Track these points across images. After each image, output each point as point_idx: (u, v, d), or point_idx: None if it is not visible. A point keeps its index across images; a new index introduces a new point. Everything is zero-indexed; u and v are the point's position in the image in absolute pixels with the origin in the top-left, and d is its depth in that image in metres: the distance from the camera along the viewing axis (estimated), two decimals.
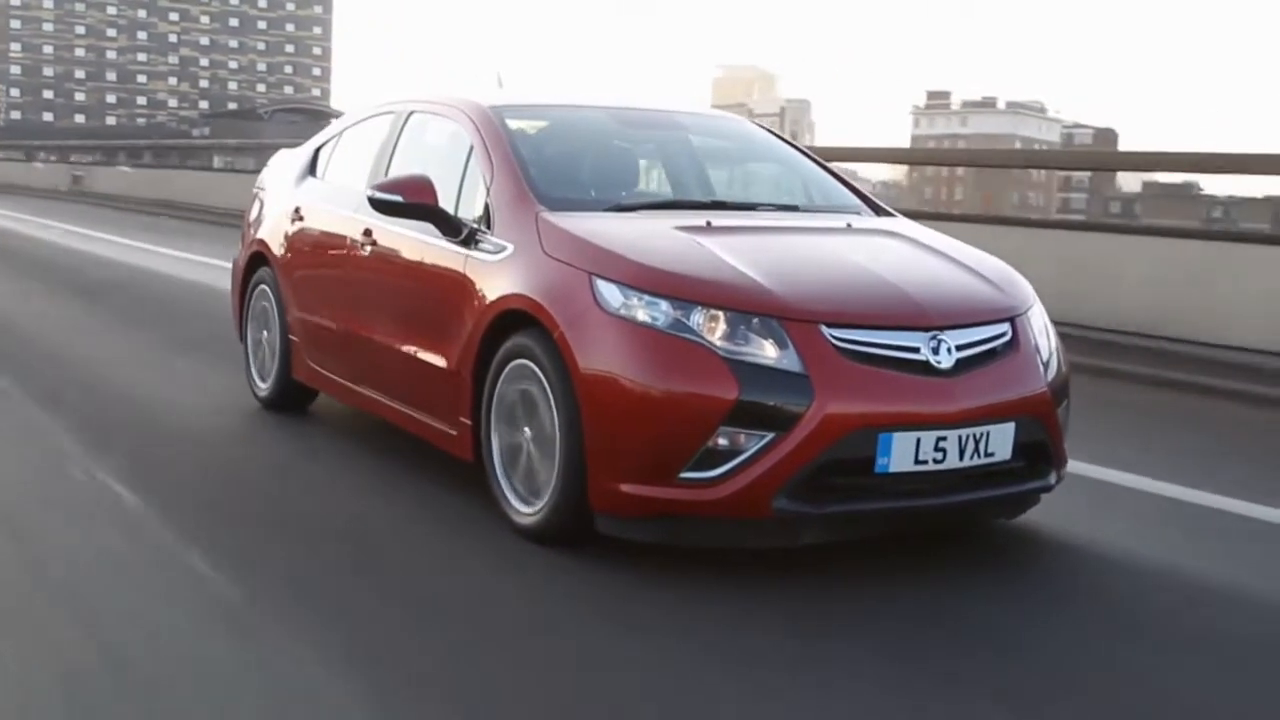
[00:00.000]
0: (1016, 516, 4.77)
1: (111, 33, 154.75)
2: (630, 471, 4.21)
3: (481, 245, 4.94)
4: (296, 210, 6.50)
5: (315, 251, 6.30)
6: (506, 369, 4.69)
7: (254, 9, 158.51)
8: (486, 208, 5.03)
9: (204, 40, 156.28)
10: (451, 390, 5.02)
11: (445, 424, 5.11)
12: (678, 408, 4.12)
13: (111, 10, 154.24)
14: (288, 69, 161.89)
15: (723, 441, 4.10)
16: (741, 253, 4.50)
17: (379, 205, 5.26)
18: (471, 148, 5.32)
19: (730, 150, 6.14)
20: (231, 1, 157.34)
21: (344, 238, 5.93)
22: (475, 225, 5.02)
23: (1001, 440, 4.34)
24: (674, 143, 5.88)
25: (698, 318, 4.20)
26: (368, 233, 5.69)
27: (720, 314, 4.20)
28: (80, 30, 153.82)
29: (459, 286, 4.99)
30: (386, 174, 5.79)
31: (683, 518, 4.20)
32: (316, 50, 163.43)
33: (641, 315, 4.25)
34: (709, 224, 4.85)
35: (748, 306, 4.21)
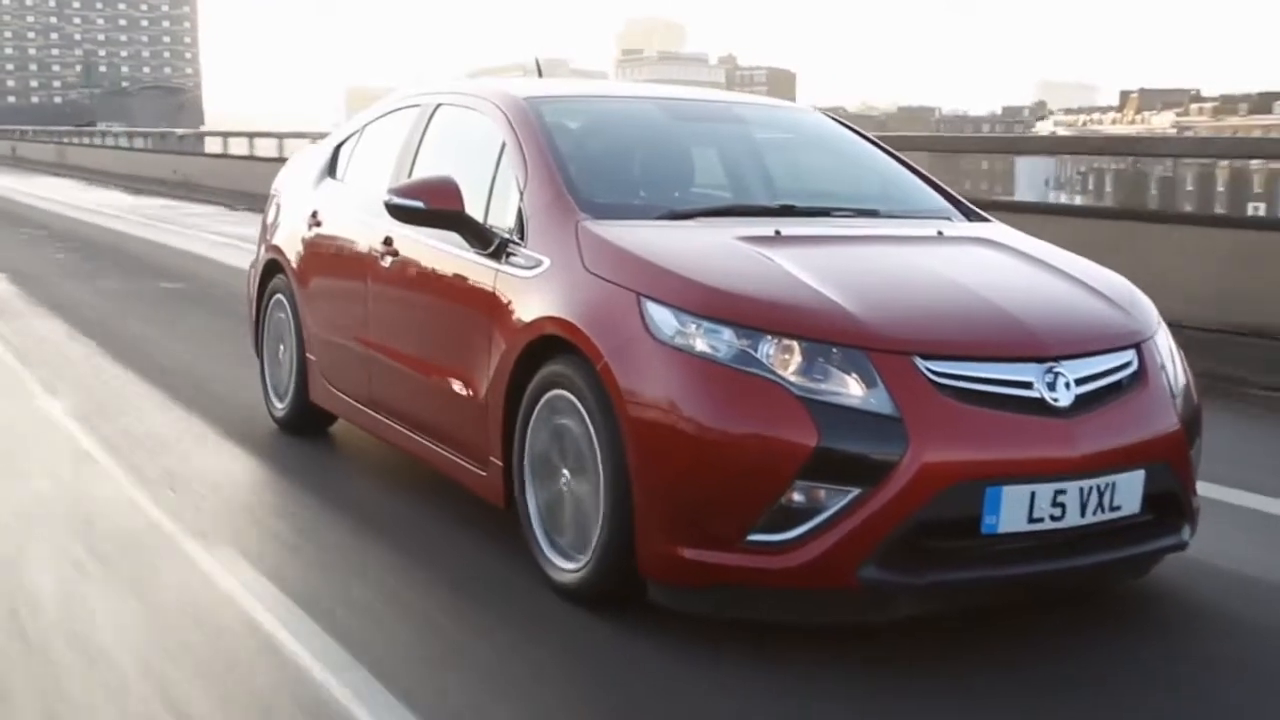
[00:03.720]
0: (1140, 577, 4.06)
1: (31, 35, 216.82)
2: (687, 533, 3.53)
3: (514, 259, 4.28)
4: (314, 214, 5.87)
5: (332, 261, 5.67)
6: (542, 401, 4.04)
7: (135, 10, 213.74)
8: (520, 215, 4.37)
9: (100, 36, 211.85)
10: (480, 425, 4.38)
11: (474, 463, 4.47)
12: (744, 457, 3.44)
13: (30, 19, 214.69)
14: (166, 54, 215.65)
15: (798, 497, 3.41)
16: (817, 269, 3.81)
17: (398, 212, 4.61)
18: (504, 145, 4.66)
19: (797, 146, 5.43)
20: (120, 6, 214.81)
21: (363, 247, 5.29)
22: (507, 235, 4.36)
23: (1129, 491, 3.64)
24: (733, 138, 5.18)
25: (767, 348, 3.51)
26: (388, 241, 5.05)
27: (794, 344, 3.51)
28: (7, 35, 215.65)
29: (488, 306, 4.33)
30: (410, 175, 5.15)
31: (750, 588, 3.52)
32: (187, 39, 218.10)
33: (700, 345, 3.57)
34: (777, 234, 4.16)
35: (828, 335, 3.52)
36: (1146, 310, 4.12)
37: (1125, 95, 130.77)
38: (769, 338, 3.52)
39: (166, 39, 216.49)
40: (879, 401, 3.43)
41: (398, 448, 5.16)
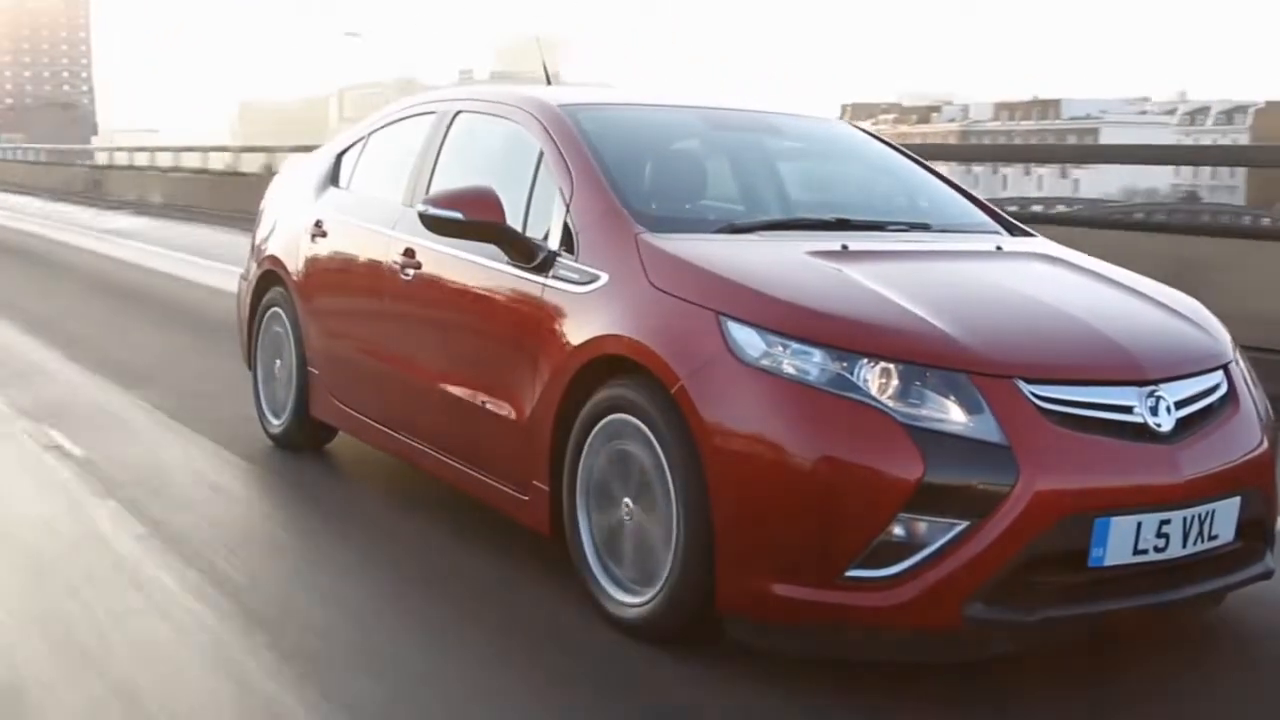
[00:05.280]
0: (1215, 606, 3.91)
1: None
2: (777, 568, 3.32)
3: (562, 273, 4.06)
4: (318, 224, 5.60)
5: (341, 272, 5.41)
6: (599, 425, 3.81)
7: (37, 35, 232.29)
8: (566, 227, 4.15)
9: (7, 58, 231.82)
10: (522, 447, 4.15)
11: (513, 487, 4.23)
12: (845, 488, 3.24)
13: None
14: (64, 74, 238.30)
15: (900, 531, 3.22)
16: (900, 287, 3.62)
17: (433, 223, 4.37)
18: (541, 154, 4.43)
19: (834, 157, 5.24)
20: (24, 31, 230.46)
21: (379, 258, 5.04)
22: (553, 249, 4.14)
23: (1226, 519, 3.51)
24: (776, 150, 4.99)
25: (865, 371, 3.32)
26: (409, 253, 4.80)
27: (893, 367, 3.32)
28: None
29: (533, 322, 4.11)
30: (430, 185, 4.91)
31: (843, 626, 3.32)
32: (83, 60, 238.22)
33: (789, 367, 3.37)
34: (844, 248, 3.98)
35: (929, 358, 3.33)
36: (1223, 331, 3.99)
37: (844, 108, 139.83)
38: (866, 360, 3.33)
39: (65, 60, 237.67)
40: (985, 428, 3.25)
41: (419, 467, 4.91)
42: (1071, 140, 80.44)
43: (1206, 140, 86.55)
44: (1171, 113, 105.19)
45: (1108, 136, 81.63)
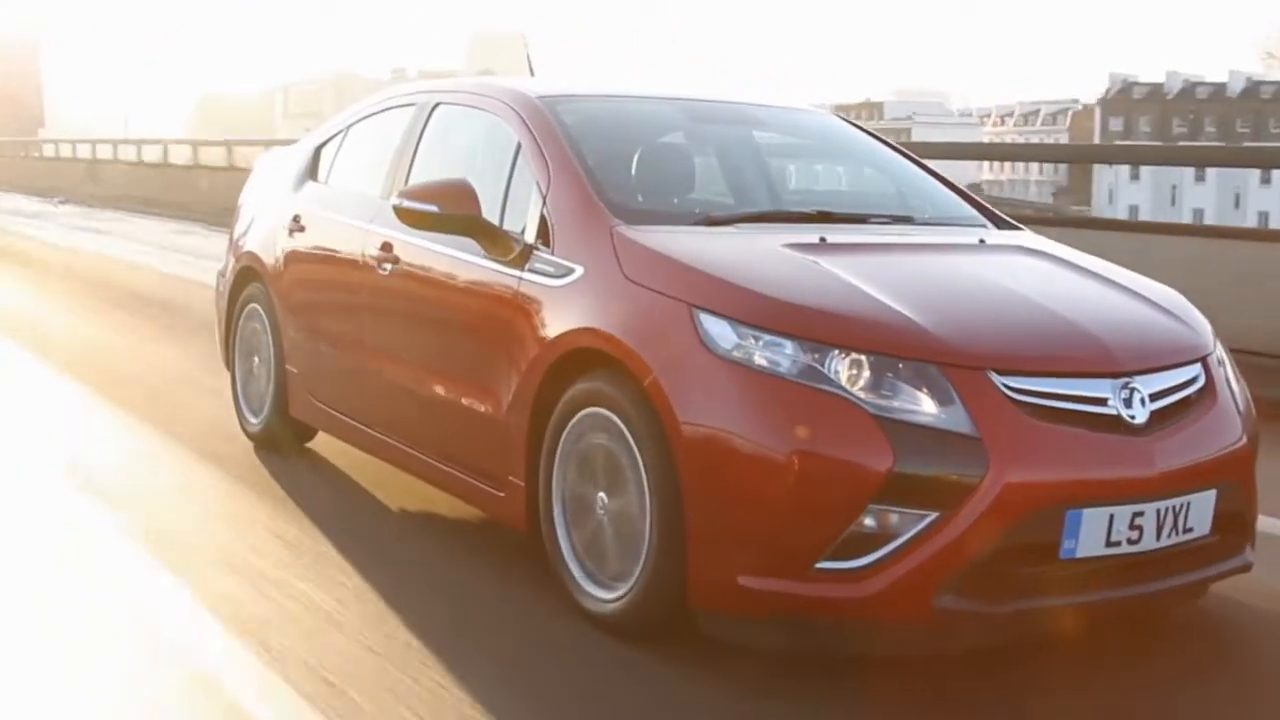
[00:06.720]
0: (1197, 600, 3.89)
1: None
2: (748, 560, 3.30)
3: (538, 267, 4.02)
4: (295, 219, 5.56)
5: (319, 268, 5.36)
6: (574, 420, 3.78)
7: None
8: (543, 220, 4.12)
9: None
10: (498, 443, 4.11)
11: (489, 483, 4.20)
12: (814, 480, 3.21)
13: None
14: (11, 68, 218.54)
15: (870, 522, 3.19)
16: (875, 279, 3.60)
17: (409, 216, 4.34)
18: (519, 146, 4.40)
19: (818, 150, 5.22)
20: None
21: (356, 253, 5.00)
22: (529, 242, 4.11)
23: (1201, 512, 3.49)
24: (754, 141, 4.95)
25: (836, 363, 3.29)
26: (387, 248, 4.76)
27: (864, 359, 3.29)
28: None
29: (509, 316, 4.07)
30: (408, 178, 4.87)
31: (814, 618, 3.29)
32: (29, 54, 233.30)
33: (761, 359, 3.35)
34: (823, 240, 3.95)
35: (900, 350, 3.31)
36: (1203, 323, 3.97)
37: None
38: (837, 352, 3.30)
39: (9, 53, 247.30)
40: (956, 419, 3.23)
41: (398, 466, 4.87)
42: (890, 138, 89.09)
43: (1035, 139, 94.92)
44: (1010, 114, 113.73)
45: (917, 135, 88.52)
